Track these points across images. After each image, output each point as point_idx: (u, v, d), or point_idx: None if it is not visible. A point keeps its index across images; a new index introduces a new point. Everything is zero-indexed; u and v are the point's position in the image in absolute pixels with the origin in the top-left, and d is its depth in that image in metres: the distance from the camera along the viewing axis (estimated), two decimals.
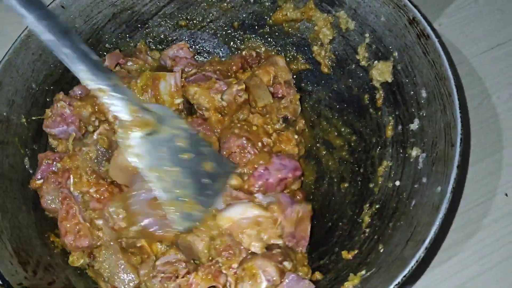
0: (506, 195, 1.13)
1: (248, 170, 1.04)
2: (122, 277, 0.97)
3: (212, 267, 0.95)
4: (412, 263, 0.80)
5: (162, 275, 0.97)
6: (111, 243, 0.99)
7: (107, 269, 0.98)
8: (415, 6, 1.03)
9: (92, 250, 1.00)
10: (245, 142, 1.05)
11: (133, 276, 0.98)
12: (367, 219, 1.04)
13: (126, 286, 0.97)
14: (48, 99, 1.18)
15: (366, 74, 1.17)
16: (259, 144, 1.07)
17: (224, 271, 0.95)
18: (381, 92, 1.14)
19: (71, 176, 1.03)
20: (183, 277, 0.96)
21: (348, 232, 1.06)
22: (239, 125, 1.09)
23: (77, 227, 1.00)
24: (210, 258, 0.97)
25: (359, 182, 1.12)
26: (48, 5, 1.15)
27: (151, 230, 0.95)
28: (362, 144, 1.16)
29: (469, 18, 1.38)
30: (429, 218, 0.85)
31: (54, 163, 1.09)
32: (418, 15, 1.02)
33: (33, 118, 1.13)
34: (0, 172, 1.02)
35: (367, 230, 1.02)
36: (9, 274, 0.86)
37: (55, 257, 1.00)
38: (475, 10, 1.39)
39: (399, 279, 0.80)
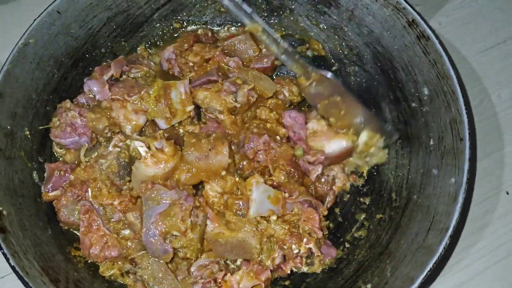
0: (507, 193, 1.19)
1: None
2: (167, 283, 0.98)
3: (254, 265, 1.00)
4: (440, 249, 0.87)
5: (202, 280, 0.98)
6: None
7: (151, 275, 0.98)
8: (414, 9, 1.10)
9: (133, 258, 1.00)
10: (268, 138, 1.09)
11: (176, 282, 0.99)
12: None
13: None
14: (48, 108, 1.14)
15: (364, 72, 1.23)
16: (278, 137, 1.12)
17: (267, 265, 1.02)
18: (380, 89, 1.20)
19: (89, 188, 1.01)
20: (222, 280, 0.98)
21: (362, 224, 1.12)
22: (255, 124, 1.12)
23: (105, 238, 1.00)
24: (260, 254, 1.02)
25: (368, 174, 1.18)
26: (45, 10, 1.11)
27: None
28: None
29: (469, 17, 1.39)
30: (448, 207, 0.93)
31: (67, 174, 1.06)
32: (418, 17, 1.08)
33: (39, 128, 1.09)
34: (12, 189, 0.98)
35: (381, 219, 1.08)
36: None
37: (81, 271, 0.98)
38: (475, 9, 1.40)
39: (430, 266, 0.86)
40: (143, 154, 1.01)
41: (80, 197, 1.03)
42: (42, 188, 1.06)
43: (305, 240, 1.03)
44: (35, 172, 1.07)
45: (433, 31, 1.07)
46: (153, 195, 0.99)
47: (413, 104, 1.12)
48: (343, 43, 1.26)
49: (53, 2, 1.12)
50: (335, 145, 1.13)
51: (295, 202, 1.07)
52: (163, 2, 1.27)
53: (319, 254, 1.04)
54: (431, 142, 1.06)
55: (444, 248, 0.88)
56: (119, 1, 1.21)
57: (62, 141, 1.08)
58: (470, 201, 1.17)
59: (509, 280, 1.11)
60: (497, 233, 1.15)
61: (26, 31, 1.08)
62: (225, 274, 1.02)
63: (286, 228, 1.04)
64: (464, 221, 1.15)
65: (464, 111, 0.99)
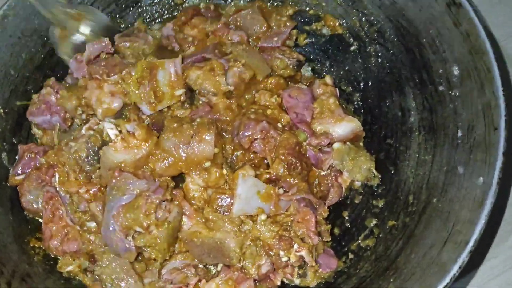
0: None
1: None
2: (127, 285, 0.86)
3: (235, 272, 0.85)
4: (454, 269, 0.67)
5: (171, 286, 0.85)
6: None
7: (110, 274, 0.86)
8: None
9: (93, 254, 0.89)
10: (266, 125, 0.93)
11: (139, 284, 0.86)
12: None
13: None
14: (29, 87, 1.06)
15: (386, 51, 1.04)
16: (279, 125, 0.96)
17: (251, 273, 0.87)
18: (403, 71, 1.00)
19: (56, 173, 0.92)
20: (194, 287, 0.84)
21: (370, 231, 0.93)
22: (253, 110, 0.96)
23: (65, 230, 0.90)
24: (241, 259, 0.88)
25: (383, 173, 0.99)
26: None
27: None
28: (382, 131, 1.03)
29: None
30: (471, 214, 0.72)
31: (38, 157, 0.97)
32: None
33: (17, 103, 1.01)
34: None
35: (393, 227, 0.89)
36: None
37: (35, 265, 0.88)
38: None
39: None
40: (113, 137, 0.89)
41: (45, 183, 0.93)
42: (11, 171, 0.97)
43: (295, 246, 0.86)
44: (4, 153, 0.99)
45: None
46: (119, 184, 0.86)
47: (441, 88, 0.93)
48: (363, 18, 1.09)
49: None
50: (342, 128, 0.95)
51: (290, 199, 0.90)
52: None
53: (313, 264, 0.87)
54: (459, 133, 0.86)
55: (460, 267, 0.67)
56: None
57: (34, 119, 0.99)
58: (503, 208, 0.93)
59: None
60: None
61: (5, 2, 1.01)
62: (199, 280, 0.87)
63: (275, 230, 0.87)
64: (493, 233, 0.91)
65: (500, 93, 0.79)
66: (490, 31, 1.12)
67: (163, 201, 0.86)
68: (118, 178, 0.87)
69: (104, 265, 0.87)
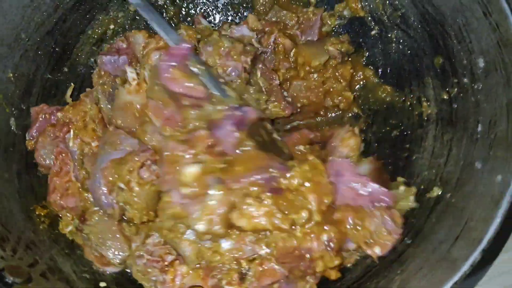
0: None
1: None
2: (111, 246, 0.88)
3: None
4: (465, 267, 0.66)
5: (149, 257, 0.85)
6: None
7: (97, 234, 0.88)
8: None
9: (84, 213, 0.90)
10: None
11: (124, 246, 0.88)
12: None
13: (113, 256, 0.88)
14: (39, 52, 1.04)
15: (408, 37, 1.01)
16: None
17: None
18: (425, 60, 0.97)
19: (72, 129, 0.96)
20: (169, 265, 0.84)
21: None
22: None
23: (67, 185, 0.93)
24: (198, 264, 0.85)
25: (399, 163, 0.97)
26: None
27: None
28: (401, 121, 1.02)
29: None
30: (487, 212, 0.71)
31: (52, 117, 0.99)
32: None
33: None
34: None
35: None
36: None
37: (40, 233, 0.88)
38: None
39: (448, 285, 0.65)
40: (130, 80, 0.93)
41: (58, 139, 0.96)
42: (26, 135, 0.98)
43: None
44: (13, 118, 0.97)
45: None
46: (112, 139, 0.88)
47: (464, 79, 0.90)
48: (387, 2, 1.07)
49: None
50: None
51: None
52: None
53: None
54: (479, 128, 0.84)
55: (472, 265, 0.66)
56: None
57: (103, 57, 1.04)
58: None
59: None
60: None
61: None
62: (175, 260, 0.86)
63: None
64: (508, 234, 0.90)
65: None
66: None
67: (153, 162, 0.86)
68: (113, 133, 0.88)
69: (92, 224, 0.88)
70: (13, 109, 0.99)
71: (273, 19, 1.14)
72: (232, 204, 0.78)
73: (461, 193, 0.81)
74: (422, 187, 0.90)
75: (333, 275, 0.81)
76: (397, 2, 1.03)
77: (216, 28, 1.17)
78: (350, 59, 1.12)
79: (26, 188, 0.94)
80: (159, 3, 1.17)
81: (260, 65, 1.05)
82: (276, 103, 1.03)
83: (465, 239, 0.72)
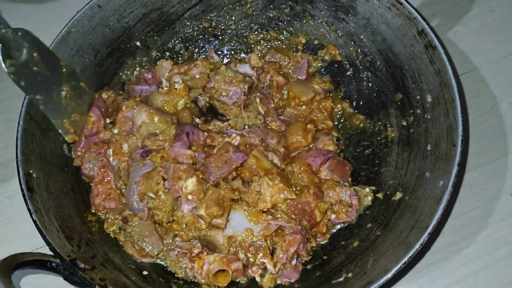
0: None
1: None
2: (150, 241, 1.09)
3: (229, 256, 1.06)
4: (417, 245, 0.92)
5: (179, 249, 1.08)
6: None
7: (138, 232, 1.10)
8: (424, 19, 1.15)
9: (126, 217, 1.13)
10: None
11: (159, 242, 1.10)
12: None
13: (152, 249, 1.09)
14: None
15: (375, 77, 1.28)
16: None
17: (241, 258, 1.07)
18: (389, 95, 1.25)
19: (110, 148, 1.18)
20: (196, 255, 1.07)
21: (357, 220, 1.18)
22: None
23: (109, 191, 1.14)
24: (230, 249, 1.08)
25: (371, 175, 1.23)
26: (87, 4, 1.25)
27: None
28: (371, 142, 1.28)
29: (484, 27, 1.44)
30: (432, 208, 0.97)
31: (95, 137, 1.21)
32: (427, 27, 1.13)
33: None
34: (43, 157, 1.12)
35: (373, 218, 1.14)
36: (59, 247, 0.96)
37: (94, 234, 1.10)
38: (491, 20, 1.44)
39: (405, 259, 0.91)
40: (164, 87, 1.28)
41: (101, 155, 1.17)
42: (72, 153, 1.20)
43: (260, 254, 1.05)
44: (65, 145, 1.20)
45: (440, 42, 1.11)
46: (139, 161, 1.12)
47: (418, 111, 1.16)
48: (358, 49, 1.32)
49: None
50: None
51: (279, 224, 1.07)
52: (194, 3, 1.38)
53: (273, 272, 1.05)
54: (428, 147, 1.10)
55: (421, 244, 0.92)
56: None
57: (134, 86, 1.31)
58: (453, 202, 1.21)
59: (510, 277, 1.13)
60: (500, 233, 1.18)
61: (69, 21, 1.23)
62: (202, 252, 1.09)
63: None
64: (445, 220, 1.19)
65: (460, 119, 1.02)
66: (455, 69, 1.36)
67: None
68: (139, 158, 1.13)
69: (133, 225, 1.11)
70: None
71: (272, 60, 1.38)
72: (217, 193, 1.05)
73: (415, 196, 1.05)
74: (388, 192, 1.14)
75: (324, 229, 1.12)
76: (366, 50, 1.29)
77: (225, 63, 1.44)
78: (331, 94, 1.39)
79: (79, 199, 1.15)
80: (175, 49, 1.44)
81: (258, 94, 1.32)
82: (273, 122, 1.30)
83: (417, 228, 0.97)
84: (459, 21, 1.45)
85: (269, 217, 1.06)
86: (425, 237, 0.92)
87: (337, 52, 1.36)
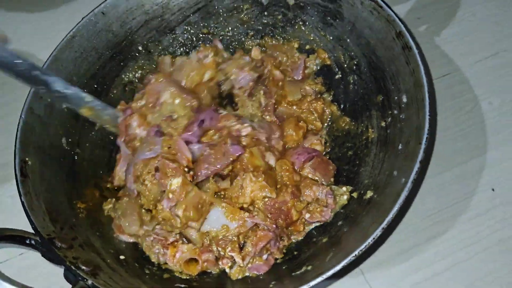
0: (493, 190, 1.23)
1: None
2: (129, 219, 1.16)
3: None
4: (374, 234, 0.93)
5: (155, 236, 1.13)
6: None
7: (122, 208, 1.18)
8: (401, 21, 1.16)
9: (119, 196, 1.22)
10: None
11: (136, 224, 1.16)
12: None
13: (127, 226, 1.16)
14: (85, 90, 1.38)
15: (360, 80, 1.30)
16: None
17: (214, 250, 1.11)
18: (372, 97, 1.26)
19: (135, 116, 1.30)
20: (171, 243, 1.12)
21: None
22: None
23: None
24: (204, 242, 1.12)
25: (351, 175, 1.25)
26: (91, 11, 1.37)
27: None
28: (354, 144, 1.29)
29: (467, 30, 1.49)
30: (392, 204, 0.98)
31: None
32: (403, 29, 1.15)
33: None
34: (42, 148, 1.22)
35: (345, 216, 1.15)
36: (41, 227, 1.05)
37: (80, 220, 1.18)
38: (473, 23, 1.49)
39: (356, 252, 0.92)
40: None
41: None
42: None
43: (229, 248, 1.08)
44: (64, 138, 1.31)
45: (416, 43, 1.13)
46: (151, 141, 1.17)
47: (395, 111, 1.17)
48: (346, 53, 1.35)
49: (99, 5, 1.38)
50: None
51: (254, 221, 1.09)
52: (193, 11, 1.47)
53: (241, 265, 1.07)
54: (400, 147, 1.10)
55: (373, 238, 0.93)
56: (155, 7, 1.44)
57: None
58: (412, 199, 1.22)
59: (485, 270, 1.14)
60: (477, 228, 1.19)
61: (74, 26, 1.35)
62: (177, 241, 1.13)
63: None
64: (403, 215, 1.21)
65: (427, 117, 1.03)
66: (428, 70, 1.39)
67: None
68: (153, 136, 1.19)
69: (122, 202, 1.19)
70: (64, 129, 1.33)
71: (272, 55, 1.43)
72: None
73: (383, 194, 1.06)
74: (361, 191, 1.16)
75: (301, 228, 1.15)
76: (352, 54, 1.32)
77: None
78: (323, 96, 1.42)
79: (71, 187, 1.23)
80: (176, 53, 1.52)
81: (263, 87, 1.36)
82: (268, 117, 1.32)
83: (377, 223, 0.98)
84: (444, 25, 1.50)
85: (246, 214, 1.09)
86: (378, 231, 0.93)
87: (327, 56, 1.40)
